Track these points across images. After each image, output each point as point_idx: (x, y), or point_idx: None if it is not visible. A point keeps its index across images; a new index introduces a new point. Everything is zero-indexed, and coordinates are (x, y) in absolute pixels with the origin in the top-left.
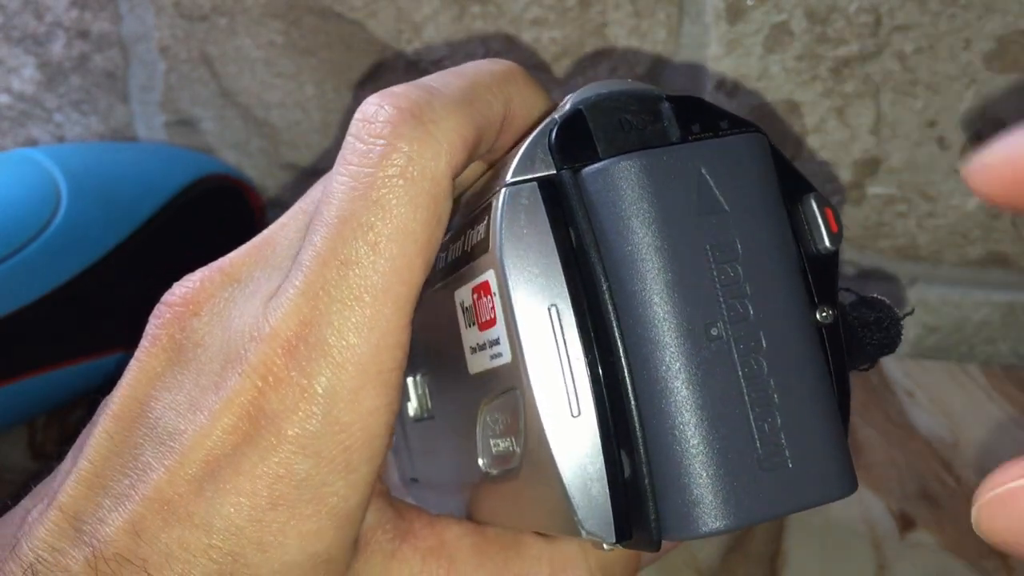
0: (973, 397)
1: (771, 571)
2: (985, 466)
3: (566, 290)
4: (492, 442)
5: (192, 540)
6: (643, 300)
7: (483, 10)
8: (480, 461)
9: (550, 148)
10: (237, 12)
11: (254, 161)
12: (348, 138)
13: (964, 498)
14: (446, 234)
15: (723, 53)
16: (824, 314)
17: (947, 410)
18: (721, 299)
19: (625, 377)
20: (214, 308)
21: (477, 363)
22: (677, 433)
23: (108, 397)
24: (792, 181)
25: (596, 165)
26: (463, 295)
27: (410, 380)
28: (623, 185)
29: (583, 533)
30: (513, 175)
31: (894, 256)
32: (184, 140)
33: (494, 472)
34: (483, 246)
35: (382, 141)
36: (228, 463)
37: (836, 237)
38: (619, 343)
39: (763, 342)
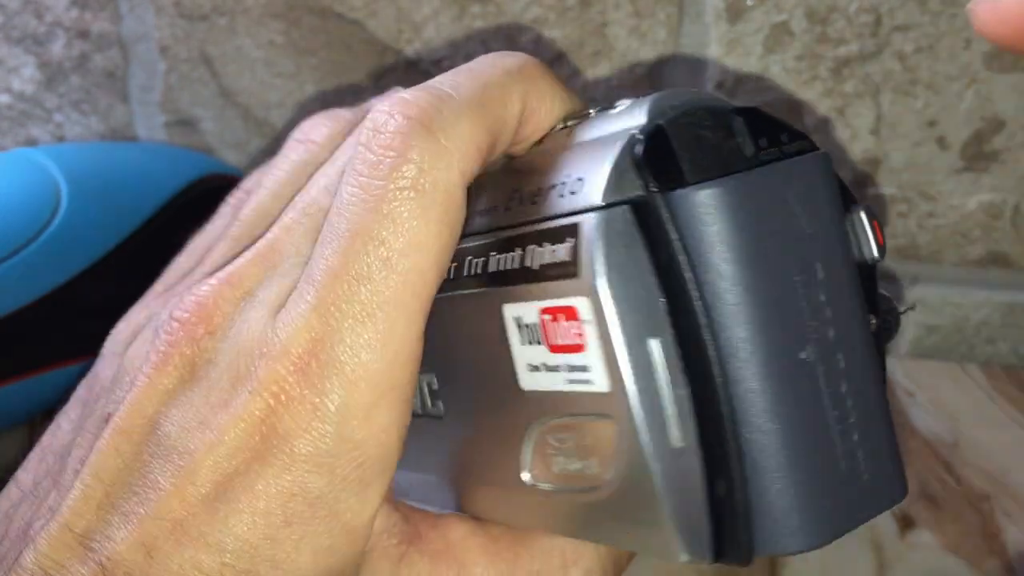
0: (973, 397)
1: (771, 571)
2: (985, 467)
3: (667, 321)
4: (557, 460)
5: (205, 561)
6: (738, 329)
7: (483, 10)
8: (525, 475)
9: (636, 168)
10: (237, 12)
11: (254, 161)
12: (359, 148)
13: (964, 498)
14: (474, 236)
15: (723, 53)
16: (872, 323)
17: (947, 410)
18: (807, 324)
19: (723, 407)
20: (228, 324)
21: (539, 382)
22: (771, 458)
23: (92, 400)
24: (843, 194)
25: (686, 190)
26: (523, 312)
27: None
28: (715, 212)
29: (682, 558)
30: (604, 198)
31: (894, 256)
32: (184, 140)
33: (546, 487)
34: (568, 270)
35: (392, 152)
36: (240, 482)
37: (882, 249)
38: (717, 373)
39: (842, 363)
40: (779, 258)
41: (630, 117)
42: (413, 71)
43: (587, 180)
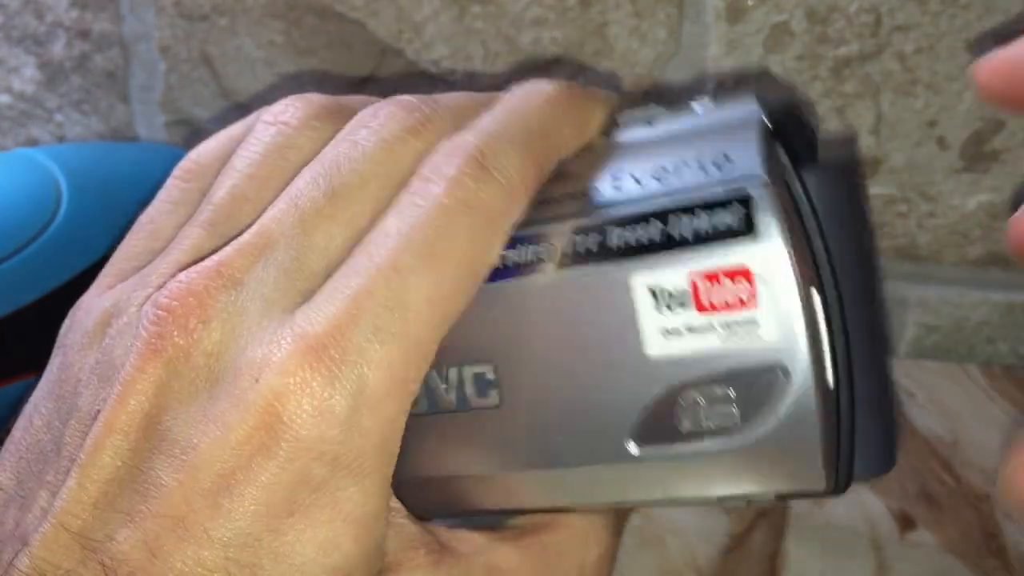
0: (973, 397)
1: (771, 571)
2: (985, 466)
3: (822, 276)
4: (685, 421)
5: (210, 558)
6: (853, 286)
7: (483, 10)
8: (631, 446)
9: (773, 149)
10: (238, 12)
11: None
12: (415, 181)
13: (964, 498)
14: (567, 219)
15: (723, 53)
16: None
17: (947, 410)
18: (874, 284)
19: (850, 351)
20: (223, 315)
21: (675, 345)
22: (872, 396)
23: (59, 395)
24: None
25: (811, 169)
26: (663, 279)
27: (435, 373)
28: (829, 189)
29: (822, 489)
30: (766, 171)
31: (894, 256)
32: (184, 140)
33: (664, 452)
34: (740, 233)
35: (448, 179)
36: (245, 476)
37: None
38: (844, 322)
39: (879, 316)
40: (862, 226)
41: (735, 110)
42: (413, 71)
43: (734, 158)
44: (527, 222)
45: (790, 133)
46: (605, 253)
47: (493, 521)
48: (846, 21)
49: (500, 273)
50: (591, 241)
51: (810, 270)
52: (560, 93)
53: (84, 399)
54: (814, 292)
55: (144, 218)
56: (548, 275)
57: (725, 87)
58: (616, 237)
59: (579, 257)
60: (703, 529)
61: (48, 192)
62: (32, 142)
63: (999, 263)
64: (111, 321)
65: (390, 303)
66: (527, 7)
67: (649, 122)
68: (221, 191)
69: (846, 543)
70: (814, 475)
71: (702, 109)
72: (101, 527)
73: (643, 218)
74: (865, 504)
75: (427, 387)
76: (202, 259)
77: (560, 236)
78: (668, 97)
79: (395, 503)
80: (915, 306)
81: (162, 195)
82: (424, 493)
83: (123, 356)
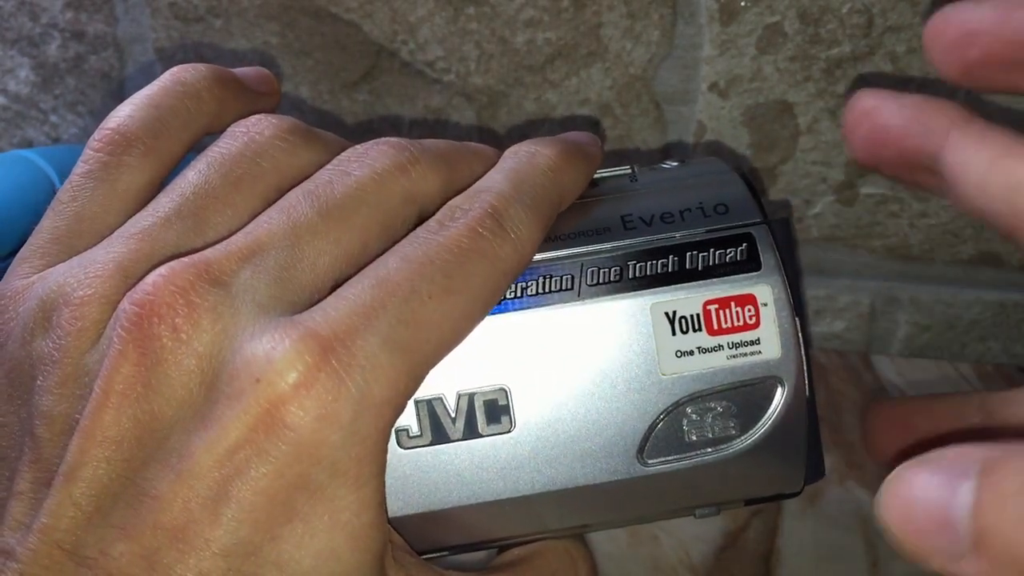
0: None
1: (765, 569)
2: None
3: (799, 301)
4: (690, 433)
5: (211, 568)
6: (802, 312)
7: (478, 11)
8: (642, 459)
9: (760, 202)
10: (232, 14)
11: None
12: (433, 222)
13: None
14: (584, 255)
15: (716, 54)
16: None
17: None
18: (803, 305)
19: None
20: (213, 314)
21: (686, 365)
22: (815, 411)
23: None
24: None
25: (776, 221)
26: (679, 305)
27: (443, 403)
28: (787, 236)
29: (798, 489)
30: (760, 217)
31: (886, 255)
32: None
33: (668, 466)
34: (748, 266)
35: (471, 230)
36: (244, 481)
37: None
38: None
39: None
40: (798, 264)
41: (708, 168)
42: (408, 72)
43: (731, 205)
44: (543, 257)
45: (753, 190)
46: (625, 283)
47: (480, 565)
48: (838, 22)
49: (517, 303)
50: (611, 273)
51: (796, 296)
52: (560, 156)
53: (48, 401)
54: (795, 316)
55: (64, 195)
56: (569, 304)
57: (693, 153)
58: (636, 269)
59: (599, 287)
60: (697, 527)
61: (44, 193)
62: (27, 143)
63: (991, 262)
64: (56, 308)
65: (405, 318)
66: (521, 8)
67: (632, 178)
68: (187, 183)
69: (840, 541)
70: (795, 476)
71: (674, 168)
72: (95, 542)
73: (662, 253)
74: (858, 501)
75: (432, 418)
76: (164, 252)
77: (579, 268)
78: (635, 159)
79: (397, 539)
80: (908, 305)
81: (82, 168)
82: (426, 528)
83: (97, 358)
